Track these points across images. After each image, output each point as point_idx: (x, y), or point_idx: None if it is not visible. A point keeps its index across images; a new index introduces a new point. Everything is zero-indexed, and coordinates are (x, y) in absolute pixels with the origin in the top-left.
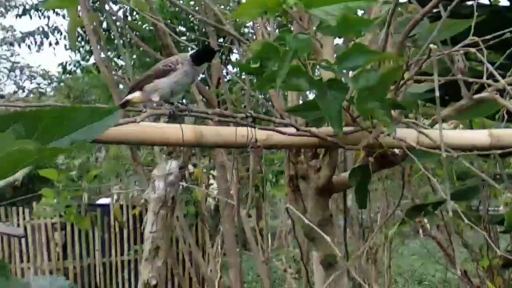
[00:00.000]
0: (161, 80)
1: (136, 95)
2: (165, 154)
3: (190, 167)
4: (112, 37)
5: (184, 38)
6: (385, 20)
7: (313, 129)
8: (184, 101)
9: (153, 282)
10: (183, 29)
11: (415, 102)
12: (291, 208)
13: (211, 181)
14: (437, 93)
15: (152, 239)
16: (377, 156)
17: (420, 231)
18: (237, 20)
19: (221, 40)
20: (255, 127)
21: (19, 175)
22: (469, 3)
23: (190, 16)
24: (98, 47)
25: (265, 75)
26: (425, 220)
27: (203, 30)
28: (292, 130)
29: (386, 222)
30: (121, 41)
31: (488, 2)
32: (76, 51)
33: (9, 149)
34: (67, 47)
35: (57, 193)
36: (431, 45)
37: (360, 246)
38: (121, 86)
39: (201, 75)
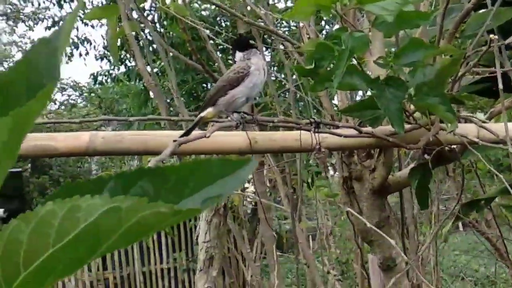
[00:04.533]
0: (237, 89)
1: (209, 110)
2: None
3: None
4: (141, 44)
5: (212, 42)
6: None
7: (374, 130)
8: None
9: None
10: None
11: (471, 95)
12: (350, 211)
13: (246, 184)
14: (500, 86)
15: (206, 249)
16: (435, 153)
17: (460, 226)
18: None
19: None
20: (318, 132)
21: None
22: None
23: (218, 19)
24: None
25: (320, 76)
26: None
27: (231, 33)
28: (346, 131)
29: (431, 219)
30: (161, 48)
31: None
32: (107, 61)
33: (142, 213)
34: (97, 57)
35: None
36: (491, 35)
37: (414, 246)
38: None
39: None
